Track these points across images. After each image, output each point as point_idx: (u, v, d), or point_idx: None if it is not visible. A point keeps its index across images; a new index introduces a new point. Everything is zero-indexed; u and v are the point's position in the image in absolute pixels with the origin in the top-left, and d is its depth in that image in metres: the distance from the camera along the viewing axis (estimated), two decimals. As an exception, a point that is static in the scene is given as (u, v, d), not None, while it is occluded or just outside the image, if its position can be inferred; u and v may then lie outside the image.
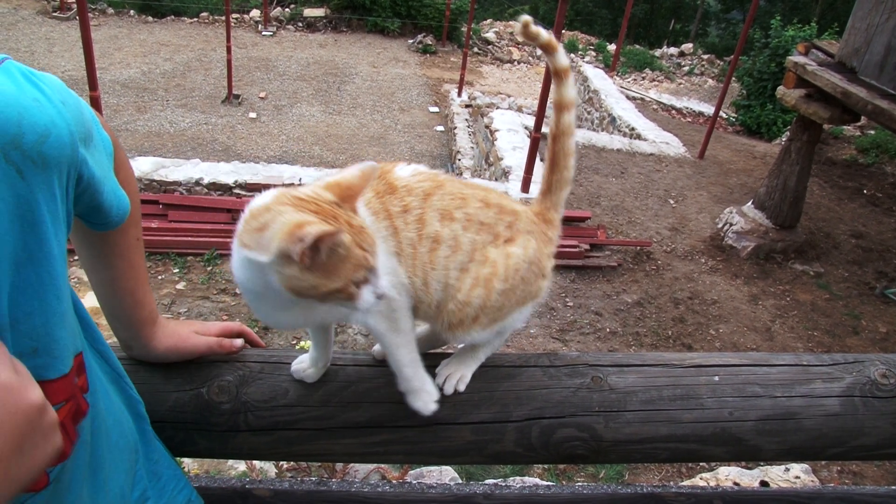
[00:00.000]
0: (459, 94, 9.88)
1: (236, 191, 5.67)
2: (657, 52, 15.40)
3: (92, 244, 0.85)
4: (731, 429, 1.00)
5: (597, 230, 5.77)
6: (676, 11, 24.37)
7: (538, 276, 0.97)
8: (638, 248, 5.74)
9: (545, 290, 1.00)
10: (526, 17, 0.93)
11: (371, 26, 13.02)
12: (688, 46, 15.88)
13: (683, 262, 5.72)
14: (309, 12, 13.05)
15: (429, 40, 12.85)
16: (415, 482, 2.17)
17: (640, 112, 9.34)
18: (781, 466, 3.04)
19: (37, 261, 0.61)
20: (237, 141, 8.01)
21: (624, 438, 0.99)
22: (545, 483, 2.95)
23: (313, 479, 2.29)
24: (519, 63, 13.51)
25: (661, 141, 8.11)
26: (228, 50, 8.32)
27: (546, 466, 3.31)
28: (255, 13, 12.95)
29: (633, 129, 8.53)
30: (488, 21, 15.62)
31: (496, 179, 6.59)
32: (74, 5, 10.32)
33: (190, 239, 5.09)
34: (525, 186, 5.78)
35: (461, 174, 7.51)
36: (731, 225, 6.01)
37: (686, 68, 14.60)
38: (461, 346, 1.01)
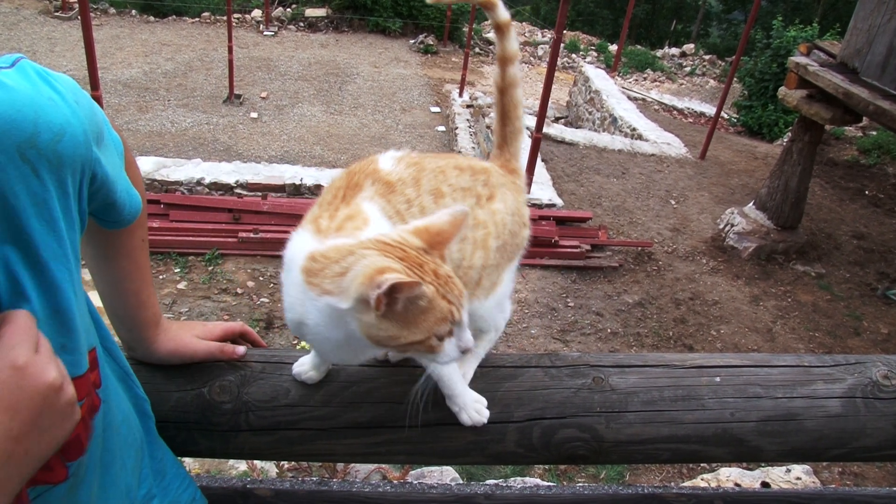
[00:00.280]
0: (461, 95, 9.87)
1: (237, 190, 5.68)
2: (658, 53, 15.39)
3: (98, 244, 0.85)
4: (732, 430, 1.00)
5: (598, 231, 5.77)
6: (678, 12, 24.36)
7: (521, 226, 1.00)
8: (639, 248, 5.73)
9: (528, 239, 1.02)
10: None
11: (372, 26, 13.02)
12: (689, 47, 15.86)
13: (685, 262, 5.72)
14: (310, 12, 13.05)
15: (430, 40, 12.84)
16: (416, 482, 2.17)
17: (642, 112, 9.34)
18: (783, 467, 3.03)
19: (55, 257, 0.62)
20: (238, 141, 8.01)
21: (625, 439, 0.99)
22: (546, 483, 2.95)
23: (314, 478, 2.29)
24: (520, 63, 13.50)
25: (662, 141, 8.10)
26: (230, 50, 8.32)
27: (547, 467, 3.31)
28: (257, 13, 12.95)
29: (634, 129, 8.52)
30: (489, 21, 15.58)
31: (497, 180, 6.58)
32: (76, 5, 10.33)
33: (191, 238, 5.09)
34: (526, 187, 5.78)
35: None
36: (733, 226, 6.01)
37: (687, 69, 14.58)
38: None
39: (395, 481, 2.49)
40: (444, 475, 2.74)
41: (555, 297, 5.03)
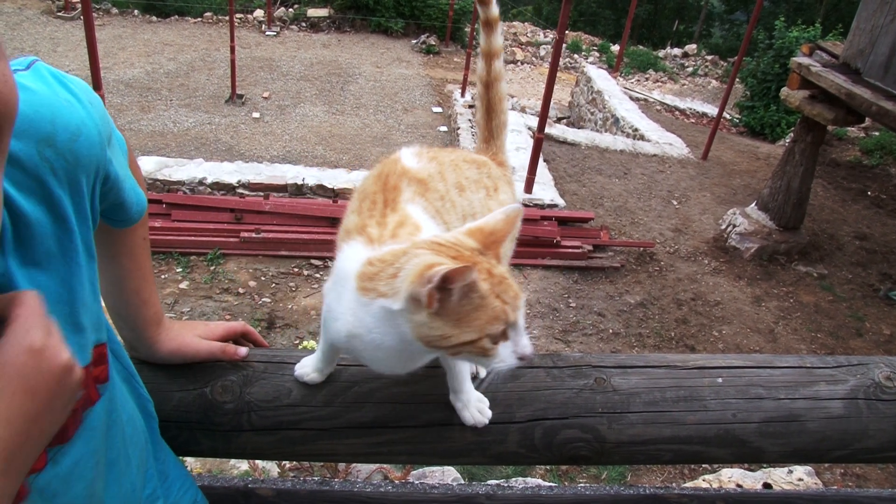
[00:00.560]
0: (463, 95, 9.87)
1: (239, 190, 5.69)
2: (661, 53, 15.37)
3: (100, 243, 0.85)
4: (734, 430, 1.00)
5: (600, 231, 5.77)
6: (680, 12, 24.33)
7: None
8: (641, 249, 5.73)
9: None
10: None
11: (374, 26, 13.02)
12: (691, 47, 15.85)
13: (686, 263, 5.71)
14: (312, 12, 13.05)
15: (432, 41, 12.84)
16: (417, 482, 2.17)
17: (644, 113, 9.33)
18: (784, 469, 3.03)
19: (66, 252, 0.64)
20: (240, 141, 8.02)
21: (627, 440, 0.99)
22: (547, 484, 2.95)
23: (316, 478, 2.29)
24: (522, 64, 13.49)
25: (664, 142, 8.09)
26: (232, 50, 8.33)
27: (548, 467, 3.31)
28: (259, 13, 12.96)
29: (636, 129, 8.51)
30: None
31: (499, 180, 6.59)
32: (79, 5, 10.36)
33: (193, 238, 5.10)
34: (528, 187, 5.79)
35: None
36: (735, 226, 6.00)
37: (689, 69, 14.57)
38: None
39: (396, 481, 2.49)
40: (446, 475, 2.74)
41: (557, 298, 5.03)
